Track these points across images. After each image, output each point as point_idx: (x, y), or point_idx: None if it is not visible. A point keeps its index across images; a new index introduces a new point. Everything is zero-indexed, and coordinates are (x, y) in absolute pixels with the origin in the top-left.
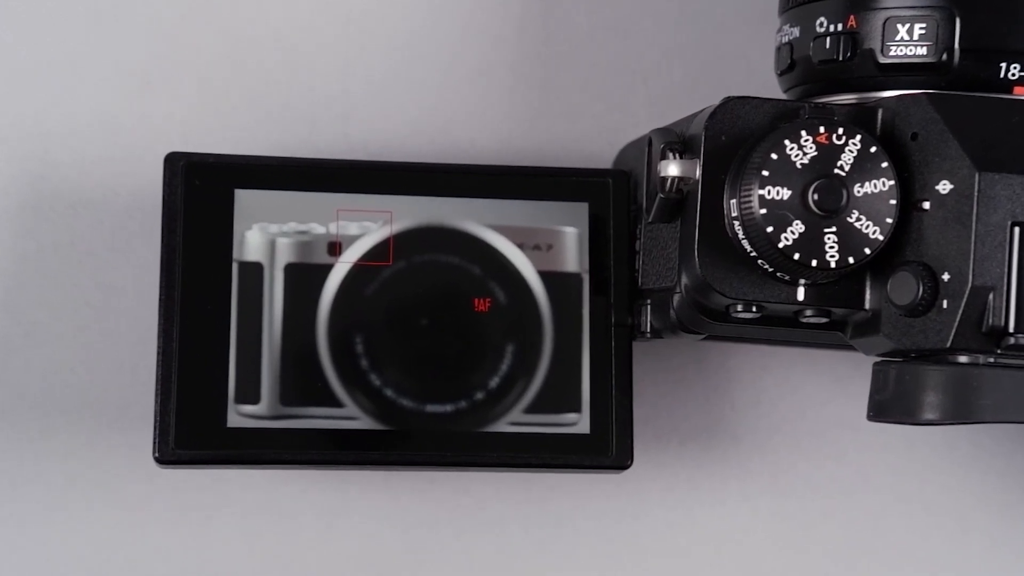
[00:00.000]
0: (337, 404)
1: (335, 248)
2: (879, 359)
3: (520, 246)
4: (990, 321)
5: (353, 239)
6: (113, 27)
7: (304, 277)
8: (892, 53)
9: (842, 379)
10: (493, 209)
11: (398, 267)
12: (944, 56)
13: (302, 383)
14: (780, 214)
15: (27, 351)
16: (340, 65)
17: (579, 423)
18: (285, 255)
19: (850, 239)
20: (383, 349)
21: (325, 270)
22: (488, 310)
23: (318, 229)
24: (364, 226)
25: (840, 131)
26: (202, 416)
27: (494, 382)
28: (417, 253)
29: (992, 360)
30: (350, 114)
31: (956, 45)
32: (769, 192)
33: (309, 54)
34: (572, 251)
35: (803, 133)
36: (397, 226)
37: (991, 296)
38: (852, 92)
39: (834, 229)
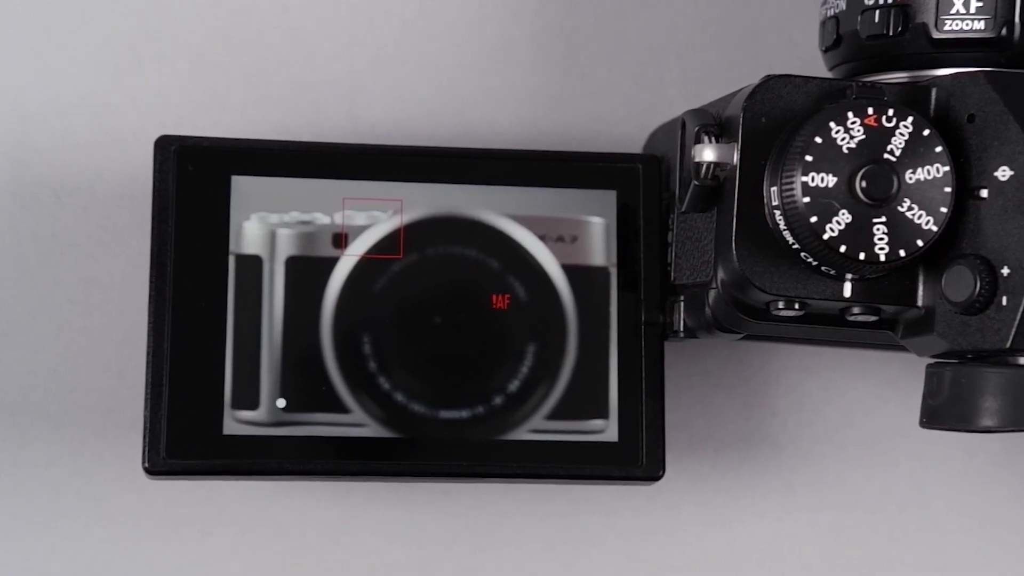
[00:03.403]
0: (343, 410)
1: (341, 240)
2: (933, 360)
3: (542, 238)
4: None
5: (360, 230)
6: None
7: (307, 271)
8: (947, 27)
9: (892, 382)
10: (513, 197)
11: (409, 260)
12: (1004, 31)
13: (305, 387)
14: (825, 203)
15: (5, 352)
16: (346, 40)
17: (606, 430)
18: (286, 247)
19: (901, 230)
20: (393, 350)
21: (330, 264)
22: (507, 307)
23: (322, 219)
24: (372, 216)
25: (890, 112)
26: (196, 423)
27: (514, 386)
28: (430, 245)
29: None
30: (357, 94)
31: (1017, 19)
32: (813, 179)
33: (312, 28)
34: (599, 243)
35: (850, 115)
36: (408, 216)
37: None
38: (903, 70)
39: (884, 219)
